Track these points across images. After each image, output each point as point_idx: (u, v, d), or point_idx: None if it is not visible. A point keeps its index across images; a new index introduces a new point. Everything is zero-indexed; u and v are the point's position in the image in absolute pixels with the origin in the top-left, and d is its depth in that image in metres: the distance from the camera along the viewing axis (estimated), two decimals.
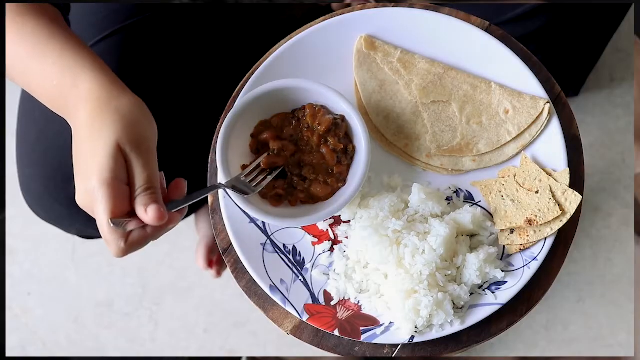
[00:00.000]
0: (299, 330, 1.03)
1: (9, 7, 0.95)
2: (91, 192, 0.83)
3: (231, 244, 1.04)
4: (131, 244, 0.85)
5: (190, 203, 0.89)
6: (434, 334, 0.98)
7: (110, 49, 1.20)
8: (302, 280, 1.02)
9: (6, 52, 0.95)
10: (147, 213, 0.82)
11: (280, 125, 1.02)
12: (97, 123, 0.86)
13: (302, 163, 1.02)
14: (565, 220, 0.99)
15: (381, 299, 1.00)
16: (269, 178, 1.00)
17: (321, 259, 1.03)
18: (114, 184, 0.83)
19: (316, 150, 1.01)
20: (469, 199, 1.05)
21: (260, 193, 1.00)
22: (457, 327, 0.98)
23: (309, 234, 1.04)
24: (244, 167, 1.02)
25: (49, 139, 1.20)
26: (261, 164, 1.00)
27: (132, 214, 0.84)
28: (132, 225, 0.84)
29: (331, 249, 1.04)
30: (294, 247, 1.04)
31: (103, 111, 0.87)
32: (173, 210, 0.87)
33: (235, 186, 0.97)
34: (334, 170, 1.01)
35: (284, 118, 1.03)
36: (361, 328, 0.99)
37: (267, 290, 1.01)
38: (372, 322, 1.00)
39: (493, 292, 0.99)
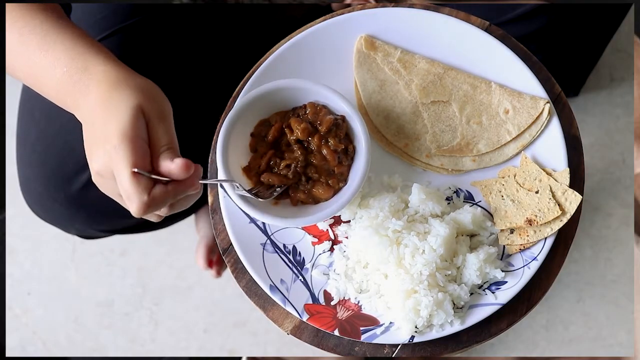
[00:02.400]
0: (299, 330, 1.03)
1: (15, 5, 0.94)
2: (111, 151, 0.81)
3: (231, 244, 1.04)
4: (153, 199, 0.82)
5: (209, 182, 0.89)
6: (434, 334, 0.98)
7: (109, 50, 1.20)
8: (302, 280, 1.02)
9: (9, 46, 0.94)
10: (174, 162, 0.81)
11: (280, 121, 1.03)
12: (115, 94, 0.85)
13: (307, 164, 1.02)
14: (565, 220, 0.99)
15: (381, 299, 1.00)
16: (279, 190, 1.00)
17: (321, 259, 1.03)
18: (135, 140, 0.81)
19: (317, 151, 1.01)
20: (469, 199, 1.05)
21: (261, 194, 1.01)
22: (457, 327, 0.98)
23: (309, 234, 1.04)
24: (245, 168, 1.02)
25: (49, 139, 1.20)
26: (273, 180, 1.00)
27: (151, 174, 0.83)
28: (152, 182, 0.82)
29: (331, 249, 1.04)
30: (294, 247, 1.04)
31: (121, 85, 0.86)
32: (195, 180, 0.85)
33: (252, 190, 0.97)
34: (335, 170, 1.01)
35: (284, 116, 1.03)
36: (361, 328, 0.99)
37: (267, 290, 1.01)
38: (372, 322, 1.00)
39: (493, 292, 0.99)
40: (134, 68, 1.19)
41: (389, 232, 0.99)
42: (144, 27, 1.22)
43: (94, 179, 0.87)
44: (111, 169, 0.83)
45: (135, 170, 0.81)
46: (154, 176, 0.83)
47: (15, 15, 0.94)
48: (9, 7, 0.94)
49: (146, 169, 0.82)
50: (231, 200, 1.02)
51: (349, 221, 1.04)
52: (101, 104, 0.86)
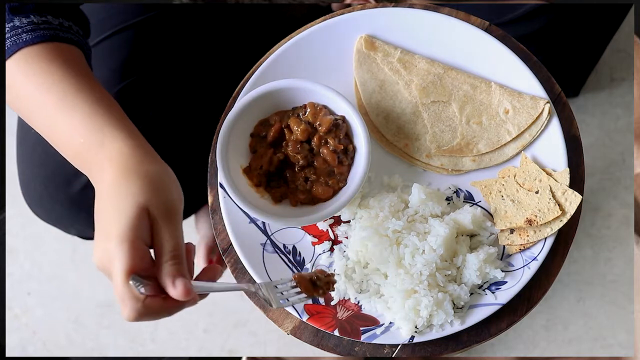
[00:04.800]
0: (299, 330, 1.03)
1: (35, 49, 0.92)
2: (110, 251, 0.79)
3: (231, 244, 1.04)
4: (148, 308, 0.79)
5: (216, 292, 0.86)
6: (434, 334, 0.98)
7: (108, 51, 1.20)
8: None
9: (27, 98, 0.92)
10: (175, 286, 0.79)
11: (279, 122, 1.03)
12: (123, 183, 0.83)
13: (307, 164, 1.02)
14: (565, 220, 0.99)
15: (381, 299, 1.00)
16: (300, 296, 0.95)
17: (321, 259, 1.03)
18: (134, 243, 0.79)
19: (317, 152, 1.01)
20: (469, 199, 1.05)
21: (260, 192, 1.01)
22: (457, 327, 0.98)
23: (309, 234, 1.04)
24: (245, 169, 1.02)
25: None
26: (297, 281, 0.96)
27: (149, 278, 0.80)
28: (149, 290, 0.79)
29: (331, 249, 1.04)
30: (294, 247, 1.04)
31: (131, 173, 0.83)
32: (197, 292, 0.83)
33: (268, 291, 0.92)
34: (335, 171, 1.01)
35: (284, 116, 1.03)
36: (361, 328, 0.99)
37: None
38: (372, 322, 1.00)
39: (493, 292, 0.99)
40: (133, 69, 1.20)
41: (389, 232, 0.99)
42: (144, 28, 1.22)
43: (94, 260, 0.84)
44: (109, 267, 0.80)
45: (131, 277, 0.78)
46: (148, 285, 0.79)
47: (35, 68, 0.92)
48: (26, 56, 0.92)
49: (145, 272, 0.79)
50: (231, 200, 1.02)
51: (349, 221, 1.04)
52: (110, 192, 0.83)
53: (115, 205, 0.81)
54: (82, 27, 1.01)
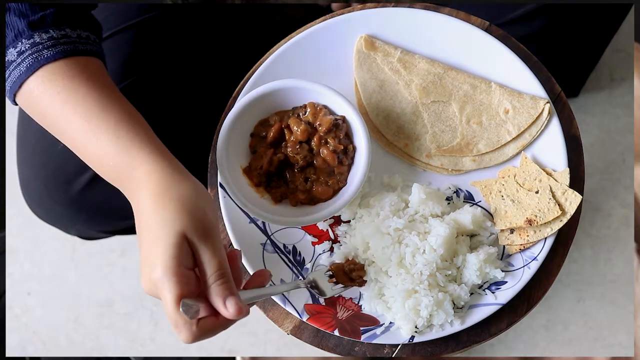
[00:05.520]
0: (299, 330, 1.03)
1: (57, 66, 0.93)
2: (156, 281, 0.81)
3: (231, 244, 1.04)
4: (203, 329, 0.82)
5: (267, 297, 0.90)
6: (434, 334, 0.98)
7: (109, 51, 1.20)
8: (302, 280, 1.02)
9: (55, 117, 0.94)
10: (227, 307, 0.81)
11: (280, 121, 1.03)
12: (159, 212, 0.84)
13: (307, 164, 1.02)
14: (565, 220, 0.99)
15: (381, 299, 1.00)
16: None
17: (321, 259, 1.03)
18: (179, 272, 0.81)
19: (317, 152, 1.01)
20: (469, 199, 1.05)
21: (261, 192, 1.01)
22: (457, 327, 0.98)
23: (309, 234, 1.04)
24: (245, 169, 1.02)
25: (49, 140, 1.20)
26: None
27: (199, 297, 0.83)
28: (200, 313, 0.81)
29: (331, 249, 1.04)
30: (294, 247, 1.04)
31: (165, 199, 0.85)
32: (248, 303, 0.85)
33: (315, 283, 0.99)
34: (335, 171, 1.01)
35: (284, 116, 1.03)
36: (361, 328, 0.99)
37: None
38: (372, 322, 1.00)
39: (493, 292, 0.99)
40: (133, 69, 1.20)
41: (390, 230, 0.99)
42: (144, 28, 1.22)
43: (142, 286, 0.86)
44: (158, 295, 0.82)
45: (181, 302, 0.80)
46: (200, 307, 0.82)
47: (59, 87, 0.93)
48: (49, 73, 0.93)
49: (193, 295, 0.82)
50: (231, 200, 1.02)
51: (349, 221, 1.04)
52: (148, 222, 0.85)
53: (154, 234, 0.83)
54: (96, 33, 1.02)
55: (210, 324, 0.82)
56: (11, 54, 0.94)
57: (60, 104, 0.93)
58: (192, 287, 0.82)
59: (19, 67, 0.94)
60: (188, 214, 0.84)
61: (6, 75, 0.95)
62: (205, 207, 0.86)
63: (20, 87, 0.95)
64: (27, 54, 0.94)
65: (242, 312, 0.81)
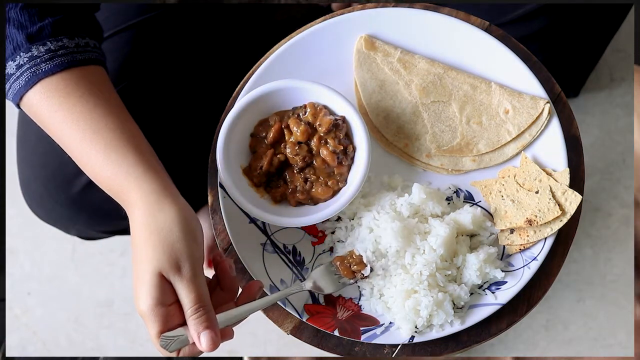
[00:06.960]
0: (299, 330, 1.03)
1: (55, 80, 0.95)
2: (141, 314, 0.87)
3: (231, 244, 1.04)
4: (184, 356, 0.89)
5: (256, 311, 0.92)
6: (434, 334, 0.98)
7: (108, 52, 1.20)
8: (302, 280, 1.02)
9: (54, 132, 0.97)
10: (201, 342, 0.85)
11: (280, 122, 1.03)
12: (142, 247, 0.88)
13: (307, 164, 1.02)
14: (565, 220, 0.99)
15: (381, 299, 1.00)
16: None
17: (321, 259, 1.03)
18: (158, 311, 0.86)
19: (317, 152, 1.01)
20: (469, 199, 1.05)
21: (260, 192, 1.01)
22: (457, 327, 0.98)
23: (309, 234, 1.04)
24: (245, 169, 1.02)
25: (49, 140, 1.20)
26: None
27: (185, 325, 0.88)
28: (178, 345, 0.87)
29: (331, 249, 1.04)
30: (294, 247, 1.04)
31: (147, 232, 0.88)
32: (229, 325, 0.89)
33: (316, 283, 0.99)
34: (335, 171, 1.01)
35: (284, 116, 1.03)
36: (361, 328, 0.99)
37: (267, 290, 1.01)
38: (372, 322, 1.00)
39: (493, 292, 0.99)
40: (133, 69, 1.20)
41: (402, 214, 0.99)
42: (143, 28, 1.22)
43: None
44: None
45: (161, 337, 0.86)
46: (179, 338, 0.88)
47: (55, 103, 0.95)
48: (47, 88, 0.95)
49: (176, 326, 0.87)
50: (231, 200, 1.02)
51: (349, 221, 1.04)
52: (134, 255, 0.90)
53: (138, 271, 0.88)
54: (97, 37, 1.03)
55: (193, 350, 0.88)
56: (10, 67, 0.96)
57: (57, 121, 0.96)
58: (172, 322, 0.87)
59: (18, 80, 0.95)
60: (163, 250, 0.87)
61: (6, 88, 0.97)
62: (183, 238, 0.88)
63: (20, 99, 0.97)
64: (25, 67, 0.95)
65: (216, 345, 0.85)
